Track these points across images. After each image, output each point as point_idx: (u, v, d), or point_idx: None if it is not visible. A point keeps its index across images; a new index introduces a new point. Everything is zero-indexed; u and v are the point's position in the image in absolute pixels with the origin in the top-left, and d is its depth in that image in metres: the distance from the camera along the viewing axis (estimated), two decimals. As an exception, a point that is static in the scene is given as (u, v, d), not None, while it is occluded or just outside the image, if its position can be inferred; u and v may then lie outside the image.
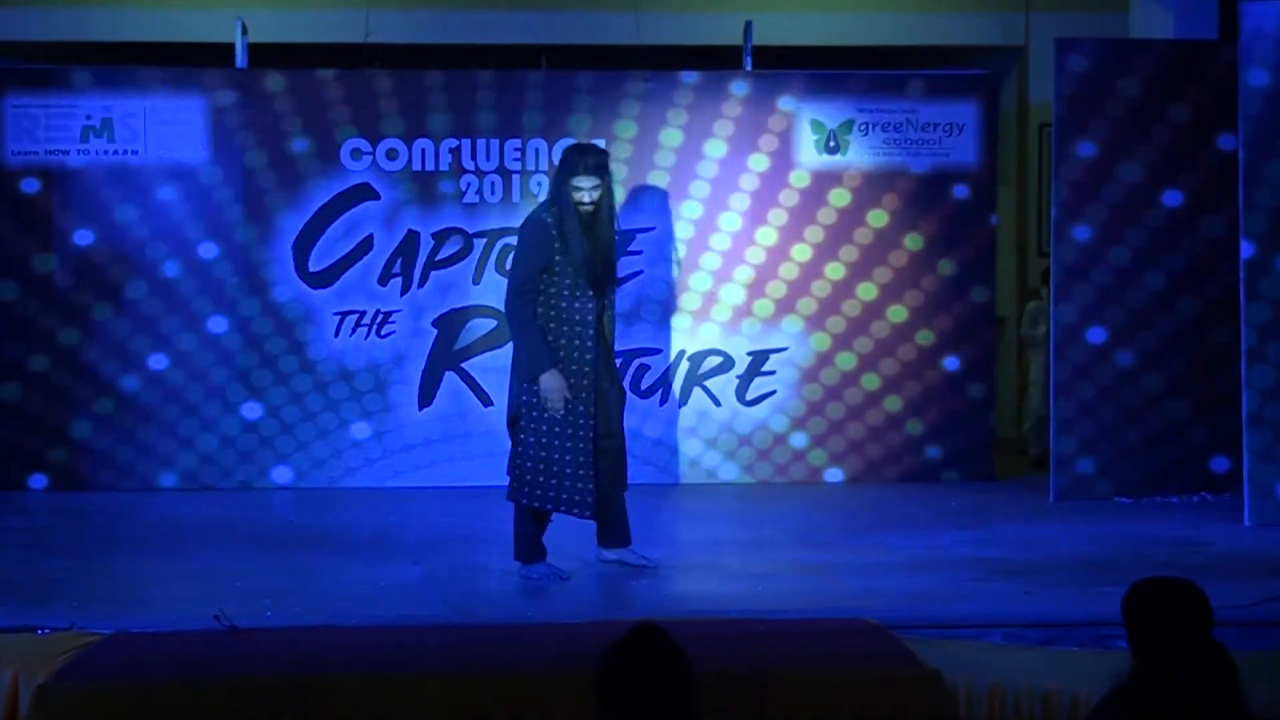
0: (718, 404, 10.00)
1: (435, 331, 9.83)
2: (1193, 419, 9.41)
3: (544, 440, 6.85)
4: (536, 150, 9.90)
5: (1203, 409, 9.39)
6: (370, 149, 9.81)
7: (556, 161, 7.29)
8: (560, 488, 6.86)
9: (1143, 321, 9.38)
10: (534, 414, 6.87)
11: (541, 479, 6.86)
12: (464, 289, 9.81)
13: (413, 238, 9.81)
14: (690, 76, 10.02)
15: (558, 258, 6.85)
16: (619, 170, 9.76)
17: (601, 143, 9.83)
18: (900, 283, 9.99)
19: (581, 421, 6.87)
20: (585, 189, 6.86)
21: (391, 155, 9.77)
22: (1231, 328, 8.87)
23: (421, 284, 9.82)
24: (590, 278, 6.91)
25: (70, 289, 9.76)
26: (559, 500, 6.89)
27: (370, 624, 5.94)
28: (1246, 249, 8.53)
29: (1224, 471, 9.37)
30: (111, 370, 9.78)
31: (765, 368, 10.00)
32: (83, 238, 9.76)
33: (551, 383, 6.80)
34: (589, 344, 6.92)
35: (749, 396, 10.00)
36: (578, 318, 6.91)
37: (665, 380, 9.94)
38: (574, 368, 6.88)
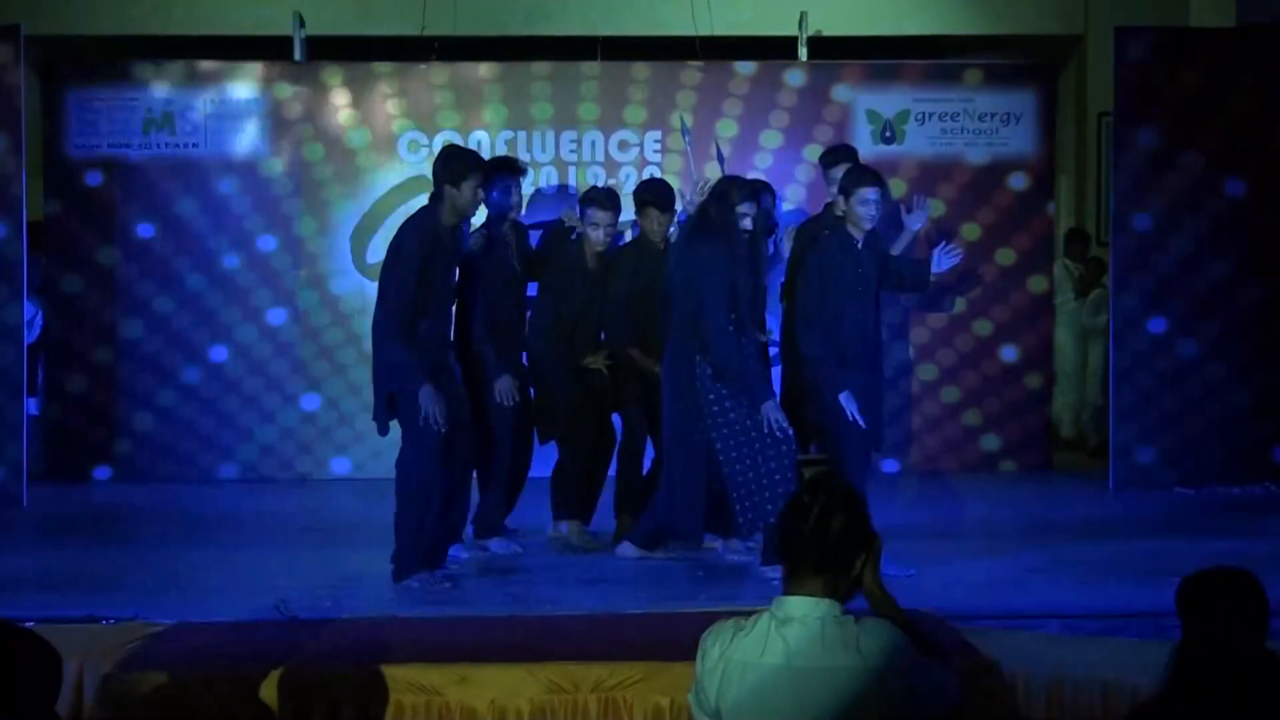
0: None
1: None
2: (1256, 408, 9.32)
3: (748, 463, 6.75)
4: (593, 142, 9.91)
5: (1266, 398, 9.30)
6: (427, 141, 9.85)
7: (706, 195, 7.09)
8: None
9: (1205, 311, 9.29)
10: (731, 441, 6.75)
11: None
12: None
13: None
14: (746, 67, 10.00)
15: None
16: (674, 161, 9.78)
17: (657, 134, 9.85)
18: (957, 273, 9.94)
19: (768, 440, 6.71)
20: (749, 215, 6.79)
21: (448, 147, 9.81)
22: (1295, 317, 8.79)
23: (478, 275, 9.83)
24: (754, 304, 6.88)
25: (132, 282, 9.86)
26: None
27: (430, 614, 5.98)
28: (1310, 237, 8.46)
29: (1287, 462, 9.29)
30: (173, 362, 9.88)
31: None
32: (145, 230, 9.86)
33: (772, 409, 6.63)
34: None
35: (805, 387, 9.97)
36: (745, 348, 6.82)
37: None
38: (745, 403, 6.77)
